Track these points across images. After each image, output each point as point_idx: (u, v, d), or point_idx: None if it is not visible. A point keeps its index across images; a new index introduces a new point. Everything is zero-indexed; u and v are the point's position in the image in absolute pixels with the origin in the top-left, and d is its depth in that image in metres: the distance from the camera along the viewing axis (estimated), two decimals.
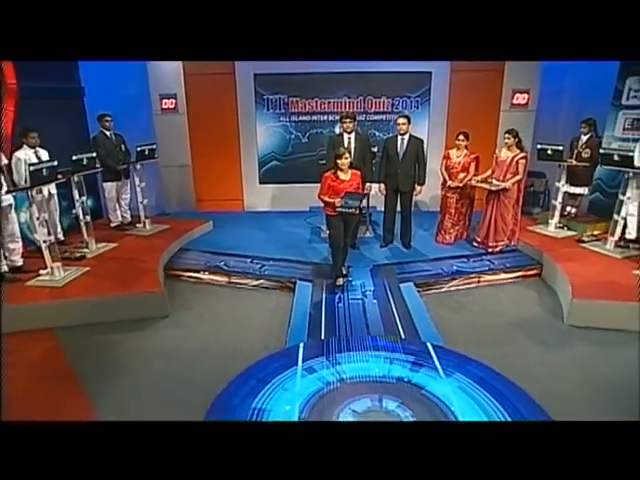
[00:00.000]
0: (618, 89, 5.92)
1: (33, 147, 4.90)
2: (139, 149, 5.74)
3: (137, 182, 5.88)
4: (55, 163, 4.40)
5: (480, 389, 3.02)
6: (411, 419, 2.72)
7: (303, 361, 3.30)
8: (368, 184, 5.26)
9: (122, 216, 6.15)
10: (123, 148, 5.94)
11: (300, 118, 7.31)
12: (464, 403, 2.87)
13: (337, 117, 6.70)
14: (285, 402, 2.88)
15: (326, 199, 4.30)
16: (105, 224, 6.11)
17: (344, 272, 4.69)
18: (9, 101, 5.33)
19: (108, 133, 5.79)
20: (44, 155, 4.97)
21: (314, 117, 7.30)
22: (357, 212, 4.43)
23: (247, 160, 7.55)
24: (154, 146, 6.00)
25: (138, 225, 6.07)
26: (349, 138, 5.17)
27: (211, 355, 3.60)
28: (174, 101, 7.06)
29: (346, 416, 2.74)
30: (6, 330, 3.78)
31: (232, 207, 7.61)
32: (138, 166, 5.85)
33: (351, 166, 4.41)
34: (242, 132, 7.38)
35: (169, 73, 6.90)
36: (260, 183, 7.67)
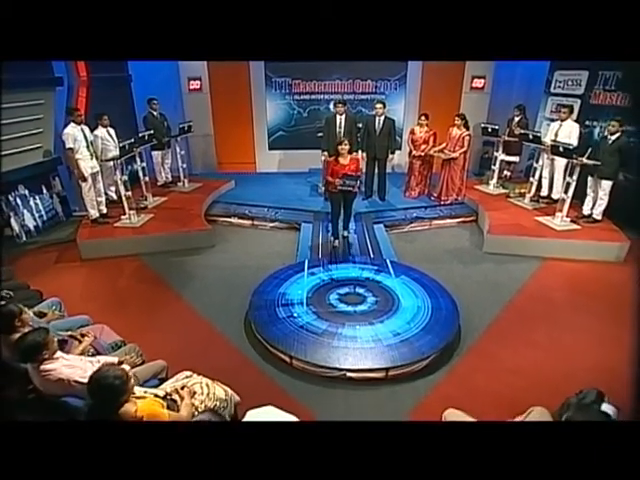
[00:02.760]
0: (549, 80, 7.56)
1: (105, 127, 6.41)
2: (181, 126, 7.41)
3: (178, 150, 7.55)
4: (132, 140, 6.01)
5: (415, 283, 4.89)
6: (372, 297, 4.63)
7: (308, 269, 5.14)
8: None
9: (165, 177, 7.84)
10: (166, 125, 7.51)
11: (302, 97, 8.94)
12: (403, 290, 4.74)
13: (332, 97, 8.41)
14: (297, 289, 4.73)
15: (329, 179, 5.48)
16: (152, 183, 7.57)
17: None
18: (82, 90, 6.92)
19: (155, 113, 7.35)
20: (113, 133, 6.45)
21: (313, 96, 8.93)
22: (355, 190, 5.42)
23: (258, 130, 9.20)
24: (191, 123, 7.65)
25: (179, 184, 7.77)
26: (340, 118, 6.88)
27: (247, 269, 5.45)
28: (199, 82, 8.56)
29: (333, 295, 4.65)
30: (107, 255, 5.73)
31: (246, 169, 9.32)
32: (179, 139, 7.51)
33: (350, 152, 5.46)
34: (254, 108, 8.99)
35: None
36: (269, 149, 9.36)
